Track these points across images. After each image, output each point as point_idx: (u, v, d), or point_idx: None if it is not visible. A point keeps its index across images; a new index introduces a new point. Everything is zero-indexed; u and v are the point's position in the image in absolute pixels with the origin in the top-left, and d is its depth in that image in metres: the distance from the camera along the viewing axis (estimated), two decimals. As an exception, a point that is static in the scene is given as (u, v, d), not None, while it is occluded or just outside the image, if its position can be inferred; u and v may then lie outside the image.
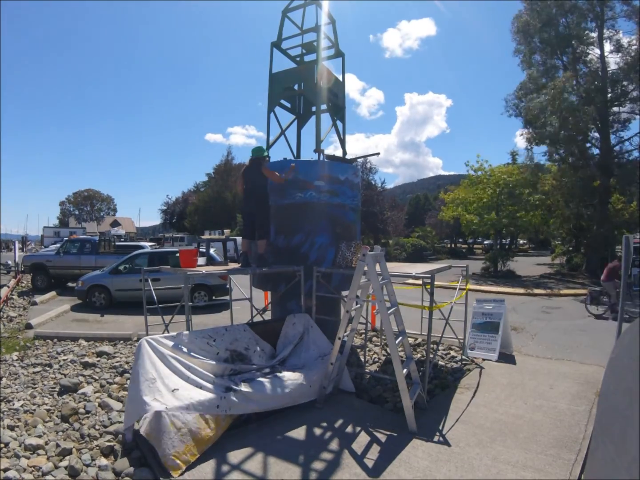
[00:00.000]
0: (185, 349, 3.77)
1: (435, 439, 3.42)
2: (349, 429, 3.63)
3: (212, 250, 10.98)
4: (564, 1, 15.31)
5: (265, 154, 5.24)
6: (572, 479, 2.86)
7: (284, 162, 5.73)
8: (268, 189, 5.28)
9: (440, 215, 22.13)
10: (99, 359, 5.74)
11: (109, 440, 3.45)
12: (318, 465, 3.06)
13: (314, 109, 6.46)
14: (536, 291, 13.21)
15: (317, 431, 3.60)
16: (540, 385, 4.67)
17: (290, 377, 3.95)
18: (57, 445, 3.34)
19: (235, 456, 3.14)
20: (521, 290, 13.34)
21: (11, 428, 3.67)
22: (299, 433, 3.54)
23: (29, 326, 7.88)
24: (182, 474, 2.92)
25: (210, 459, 3.09)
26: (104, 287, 10.15)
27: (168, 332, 4.58)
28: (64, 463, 3.14)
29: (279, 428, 3.60)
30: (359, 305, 4.36)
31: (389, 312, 3.82)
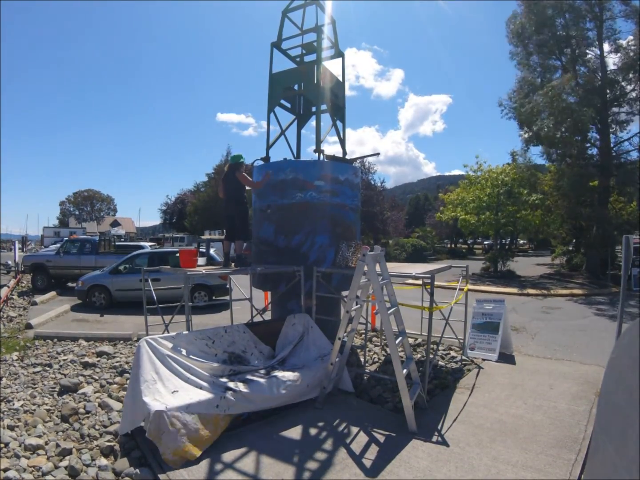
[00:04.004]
0: (184, 350, 3.77)
1: (435, 439, 3.42)
2: (349, 429, 3.63)
3: (212, 250, 11.00)
4: (562, 1, 15.29)
5: (242, 160, 5.47)
6: (572, 479, 2.86)
7: (284, 162, 5.74)
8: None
9: (438, 217, 22.14)
10: (99, 359, 5.74)
11: (109, 440, 3.45)
12: (317, 465, 3.06)
13: (314, 109, 6.46)
14: (536, 291, 13.20)
15: (317, 431, 3.60)
16: (540, 385, 4.67)
17: (290, 377, 3.95)
18: (57, 445, 3.34)
19: (234, 456, 3.14)
20: (521, 291, 13.34)
21: (11, 428, 3.67)
22: (298, 433, 3.54)
23: (29, 326, 7.88)
24: (181, 473, 2.91)
25: (210, 459, 3.09)
26: (104, 287, 10.15)
27: (168, 332, 4.59)
28: (64, 463, 3.14)
29: (279, 428, 3.60)
30: (359, 306, 4.36)
31: (389, 312, 3.82)
